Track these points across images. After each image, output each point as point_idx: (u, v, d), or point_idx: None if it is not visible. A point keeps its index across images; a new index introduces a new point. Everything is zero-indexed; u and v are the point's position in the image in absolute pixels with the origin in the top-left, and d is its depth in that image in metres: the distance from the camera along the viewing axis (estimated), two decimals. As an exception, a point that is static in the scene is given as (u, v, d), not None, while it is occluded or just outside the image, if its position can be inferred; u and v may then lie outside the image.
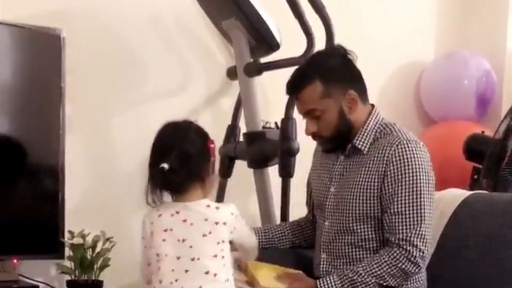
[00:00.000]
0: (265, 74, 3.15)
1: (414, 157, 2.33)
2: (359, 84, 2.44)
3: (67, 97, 2.96)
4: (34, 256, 2.91)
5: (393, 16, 4.00)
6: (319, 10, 2.92)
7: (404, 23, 4.02)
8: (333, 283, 2.31)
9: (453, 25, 4.20)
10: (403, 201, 2.31)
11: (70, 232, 2.93)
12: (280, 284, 2.34)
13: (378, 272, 2.29)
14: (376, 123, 2.44)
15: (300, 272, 2.47)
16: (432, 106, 4.09)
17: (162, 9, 3.35)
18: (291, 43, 2.98)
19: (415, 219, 2.31)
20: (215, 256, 2.02)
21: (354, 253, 2.42)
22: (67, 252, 2.93)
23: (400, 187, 2.31)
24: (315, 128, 2.42)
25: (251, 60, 3.15)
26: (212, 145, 2.07)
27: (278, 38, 3.06)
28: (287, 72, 2.49)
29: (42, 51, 2.95)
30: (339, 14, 3.03)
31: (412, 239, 2.29)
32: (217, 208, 2.06)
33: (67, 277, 2.95)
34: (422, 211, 2.31)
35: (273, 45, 3.07)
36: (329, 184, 2.49)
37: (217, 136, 3.12)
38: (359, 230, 2.39)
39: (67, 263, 2.95)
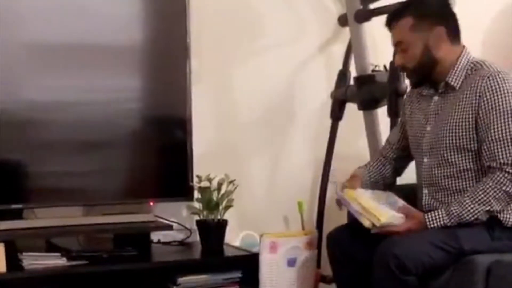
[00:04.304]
0: (374, 19, 3.16)
1: (506, 87, 2.36)
2: (450, 24, 2.49)
3: (192, 52, 3.06)
4: (167, 199, 3.08)
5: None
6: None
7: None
8: (440, 217, 2.38)
9: None
10: (500, 128, 2.35)
11: (198, 176, 3.05)
12: (394, 219, 2.40)
13: (484, 198, 2.34)
14: (468, 61, 2.48)
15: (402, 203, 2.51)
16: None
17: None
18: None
19: None
20: None
21: (454, 185, 2.46)
22: (196, 194, 3.05)
23: (495, 116, 2.34)
24: (402, 60, 2.51)
25: (361, 7, 3.20)
26: None
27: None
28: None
29: (167, 11, 3.07)
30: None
31: None
32: None
33: (196, 217, 3.10)
34: None
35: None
36: (425, 124, 2.55)
37: (329, 81, 3.40)
38: (457, 162, 2.44)
39: (196, 205, 3.07)
